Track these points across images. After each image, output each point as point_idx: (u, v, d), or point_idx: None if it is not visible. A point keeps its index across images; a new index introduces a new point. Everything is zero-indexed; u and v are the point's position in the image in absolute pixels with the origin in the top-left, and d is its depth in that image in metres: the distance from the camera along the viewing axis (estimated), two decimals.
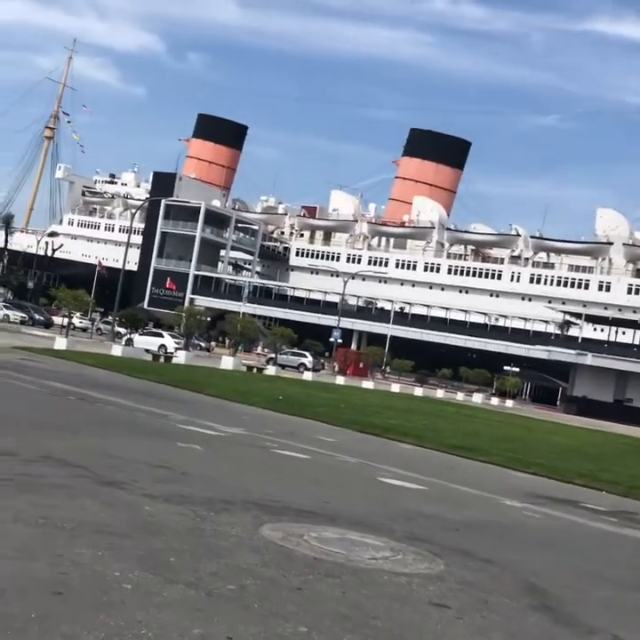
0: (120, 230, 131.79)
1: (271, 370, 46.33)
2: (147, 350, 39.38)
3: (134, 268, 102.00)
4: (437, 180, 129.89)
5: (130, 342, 47.01)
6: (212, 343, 79.52)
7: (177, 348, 45.48)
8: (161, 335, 51.06)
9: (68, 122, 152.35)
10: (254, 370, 45.89)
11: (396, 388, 56.79)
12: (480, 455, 18.53)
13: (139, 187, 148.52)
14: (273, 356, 63.23)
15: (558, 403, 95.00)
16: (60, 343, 35.71)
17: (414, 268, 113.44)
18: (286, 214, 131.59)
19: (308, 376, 49.57)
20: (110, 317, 70.80)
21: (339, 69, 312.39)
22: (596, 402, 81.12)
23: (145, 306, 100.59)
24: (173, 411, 17.21)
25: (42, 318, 64.58)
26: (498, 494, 12.75)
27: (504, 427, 33.81)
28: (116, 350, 37.92)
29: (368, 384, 53.61)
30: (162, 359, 40.01)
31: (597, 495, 15.28)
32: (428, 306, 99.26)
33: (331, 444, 15.84)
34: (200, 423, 15.47)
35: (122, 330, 61.91)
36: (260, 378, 39.49)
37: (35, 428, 10.93)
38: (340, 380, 51.65)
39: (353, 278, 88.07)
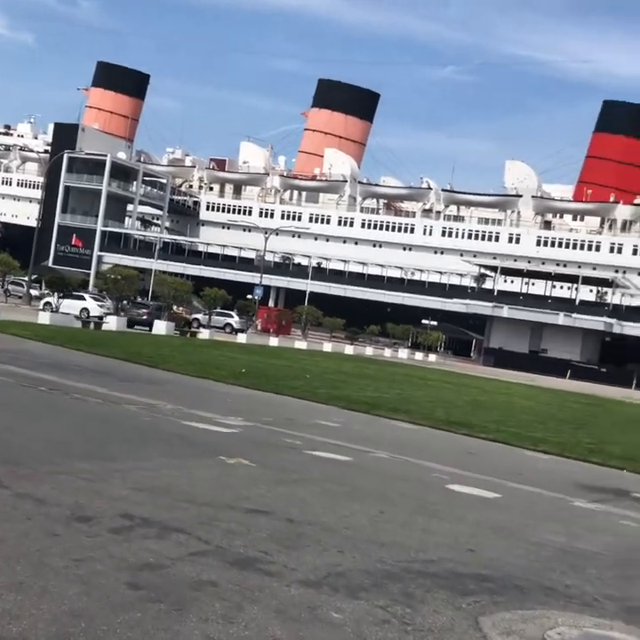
0: (18, 184, 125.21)
1: (205, 333, 43.94)
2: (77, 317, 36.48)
3: (35, 224, 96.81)
4: (347, 133, 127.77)
5: (49, 306, 43.73)
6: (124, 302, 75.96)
7: (106, 313, 42.42)
8: (83, 298, 47.76)
9: None
10: (188, 334, 43.59)
11: (328, 347, 55.26)
12: (479, 431, 18.19)
13: (36, 138, 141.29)
14: (196, 316, 60.54)
15: (472, 354, 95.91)
16: None
17: (328, 222, 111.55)
18: (194, 167, 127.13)
19: (242, 338, 47.43)
20: (13, 277, 66.54)
21: (241, 19, 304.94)
22: (512, 353, 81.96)
23: (50, 264, 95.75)
24: (154, 397, 15.76)
25: None
26: (556, 491, 11.85)
27: (463, 390, 33.33)
28: (44, 317, 35.10)
29: (301, 344, 51.96)
30: (92, 325, 37.28)
31: (623, 476, 14.82)
32: (344, 261, 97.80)
33: (340, 432, 14.81)
34: (196, 415, 14.01)
35: (35, 292, 58.43)
36: (201, 344, 37.19)
37: (59, 455, 8.66)
38: (274, 341, 49.69)
39: (268, 234, 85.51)
